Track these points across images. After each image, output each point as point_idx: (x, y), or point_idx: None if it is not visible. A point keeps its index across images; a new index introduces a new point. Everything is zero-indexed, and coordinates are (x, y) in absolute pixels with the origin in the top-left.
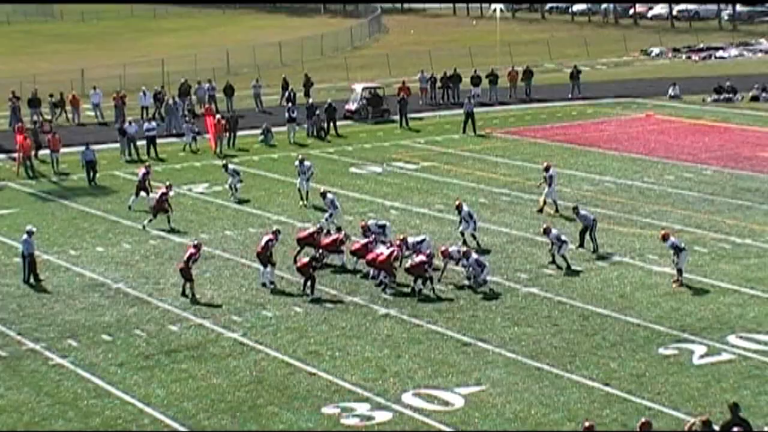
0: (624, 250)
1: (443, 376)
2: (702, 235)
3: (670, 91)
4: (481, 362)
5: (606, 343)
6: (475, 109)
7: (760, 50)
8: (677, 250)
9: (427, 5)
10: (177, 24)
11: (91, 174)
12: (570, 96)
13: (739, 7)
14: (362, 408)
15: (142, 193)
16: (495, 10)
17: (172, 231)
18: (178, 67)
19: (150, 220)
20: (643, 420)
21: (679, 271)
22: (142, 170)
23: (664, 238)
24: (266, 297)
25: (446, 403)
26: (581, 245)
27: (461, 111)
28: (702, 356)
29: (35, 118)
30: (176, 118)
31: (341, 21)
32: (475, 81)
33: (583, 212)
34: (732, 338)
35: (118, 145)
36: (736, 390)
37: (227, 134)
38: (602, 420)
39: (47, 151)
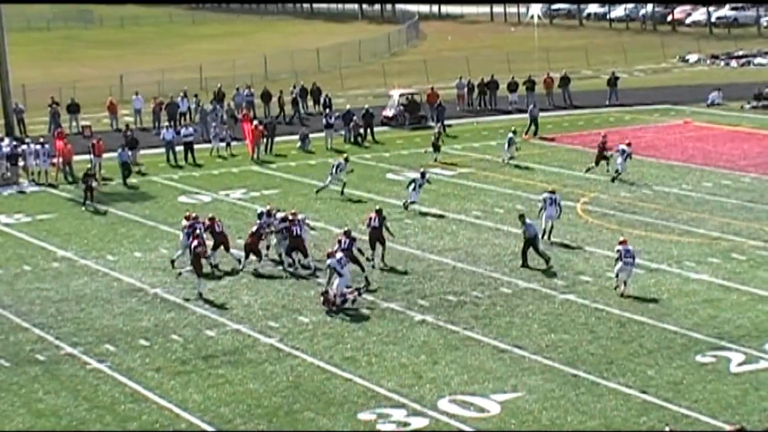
0: (661, 257)
1: (479, 382)
2: (740, 243)
3: (712, 98)
4: (517, 369)
5: (643, 350)
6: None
7: None
8: (628, 258)
9: (464, 10)
10: (215, 30)
11: (126, 174)
12: (607, 102)
13: None
14: (398, 414)
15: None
16: (533, 16)
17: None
18: (215, 73)
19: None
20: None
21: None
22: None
23: (621, 243)
24: (303, 303)
25: (482, 410)
26: (541, 254)
27: (499, 117)
28: (740, 364)
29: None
30: (216, 123)
31: (379, 27)
32: (512, 87)
33: (528, 221)
34: None
35: (156, 150)
36: None
37: (265, 140)
38: (639, 428)
39: (90, 156)
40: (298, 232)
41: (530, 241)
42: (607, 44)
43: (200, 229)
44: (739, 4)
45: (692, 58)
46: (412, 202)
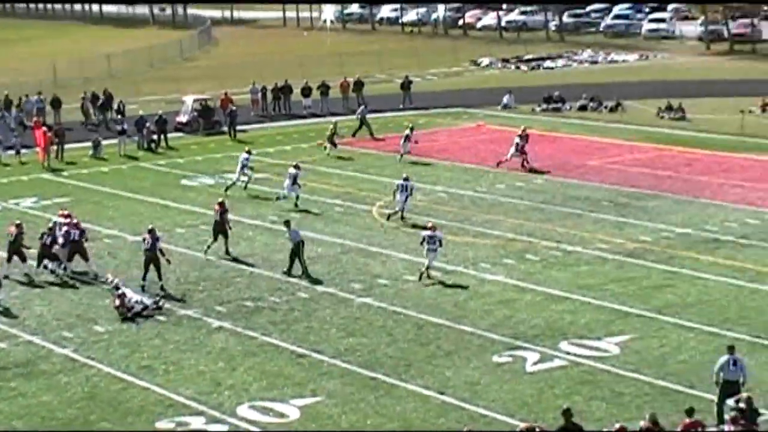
0: (457, 259)
1: (279, 388)
2: (534, 244)
3: (505, 100)
4: (316, 373)
5: (441, 352)
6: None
7: (586, 60)
8: (432, 245)
9: (257, 14)
10: (1, 35)
11: None
12: (402, 106)
13: (565, 18)
14: (197, 422)
15: None
16: (325, 21)
17: None
18: (1, 80)
19: None
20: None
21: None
22: None
23: (432, 228)
24: (98, 312)
25: (282, 415)
26: (289, 270)
27: (293, 122)
28: (535, 363)
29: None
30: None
31: (171, 32)
32: (306, 92)
33: (293, 228)
34: (564, 345)
35: None
36: (569, 396)
37: (55, 147)
38: (438, 428)
39: None
40: (76, 236)
41: (295, 247)
42: (400, 48)
43: None
44: (528, 9)
45: (484, 61)
46: (285, 196)
